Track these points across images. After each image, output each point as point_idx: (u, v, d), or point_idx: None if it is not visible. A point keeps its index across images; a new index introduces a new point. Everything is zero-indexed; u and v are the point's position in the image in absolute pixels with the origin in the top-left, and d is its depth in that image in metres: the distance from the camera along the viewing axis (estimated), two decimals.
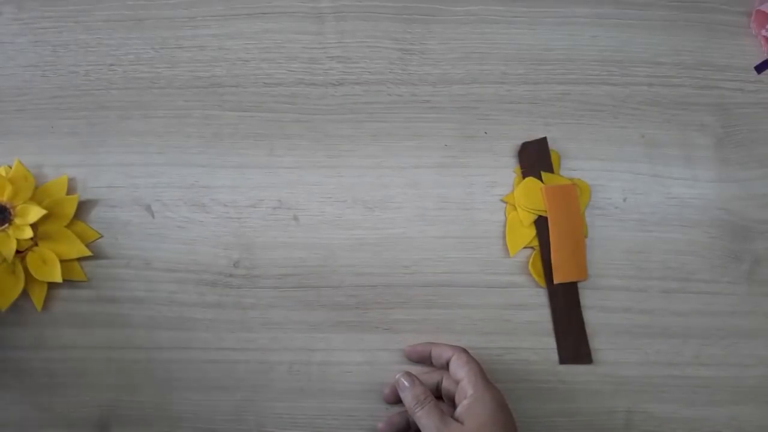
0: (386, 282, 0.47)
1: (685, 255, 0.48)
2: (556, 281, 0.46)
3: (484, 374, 0.40)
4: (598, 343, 0.47)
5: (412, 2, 0.51)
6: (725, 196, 0.49)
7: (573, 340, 0.46)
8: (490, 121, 0.50)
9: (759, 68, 0.51)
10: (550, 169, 0.48)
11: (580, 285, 0.47)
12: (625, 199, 0.49)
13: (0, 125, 0.50)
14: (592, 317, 0.47)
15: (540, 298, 0.47)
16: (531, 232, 0.47)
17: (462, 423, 0.37)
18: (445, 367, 0.42)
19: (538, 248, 0.47)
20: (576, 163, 0.49)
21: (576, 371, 0.46)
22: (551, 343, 0.47)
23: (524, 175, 0.48)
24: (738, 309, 0.47)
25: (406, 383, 0.41)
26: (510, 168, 0.49)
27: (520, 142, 0.49)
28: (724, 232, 0.48)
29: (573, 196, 0.47)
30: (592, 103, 0.50)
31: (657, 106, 0.50)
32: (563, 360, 0.46)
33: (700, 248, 0.48)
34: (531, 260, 0.47)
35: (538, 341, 0.47)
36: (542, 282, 0.47)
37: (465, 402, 0.38)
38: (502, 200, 0.48)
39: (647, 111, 0.50)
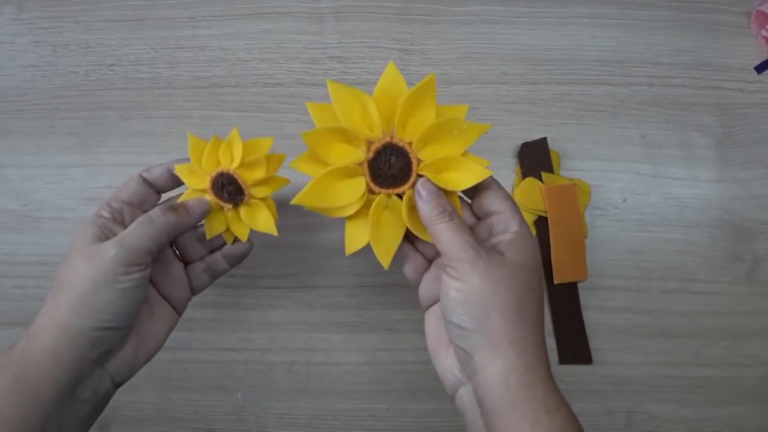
0: (386, 282, 0.47)
1: (685, 255, 0.48)
2: (556, 281, 0.46)
3: None
4: (598, 343, 0.47)
5: (412, 2, 0.51)
6: (725, 196, 0.49)
7: (573, 340, 0.46)
8: (490, 121, 0.49)
9: (759, 68, 0.51)
10: (550, 169, 0.48)
11: (580, 285, 0.47)
12: (625, 200, 0.49)
13: (0, 125, 0.50)
14: (592, 317, 0.47)
15: None
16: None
17: (501, 254, 0.30)
18: (469, 194, 0.35)
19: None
20: (576, 163, 0.49)
21: (576, 371, 0.46)
22: (551, 343, 0.46)
23: (524, 175, 0.48)
24: (738, 309, 0.47)
25: (423, 193, 0.32)
26: (510, 168, 0.49)
27: (520, 142, 0.49)
28: (724, 232, 0.48)
29: (573, 197, 0.47)
30: (592, 103, 0.50)
31: (657, 106, 0.50)
32: (563, 360, 0.46)
33: (700, 248, 0.48)
34: None
35: None
36: (542, 282, 0.47)
37: (508, 235, 0.31)
38: None
39: (647, 111, 0.50)
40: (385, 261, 0.33)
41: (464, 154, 0.34)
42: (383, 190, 0.33)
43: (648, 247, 0.48)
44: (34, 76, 0.50)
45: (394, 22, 0.51)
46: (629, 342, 0.47)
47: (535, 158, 0.48)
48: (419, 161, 0.33)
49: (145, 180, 0.36)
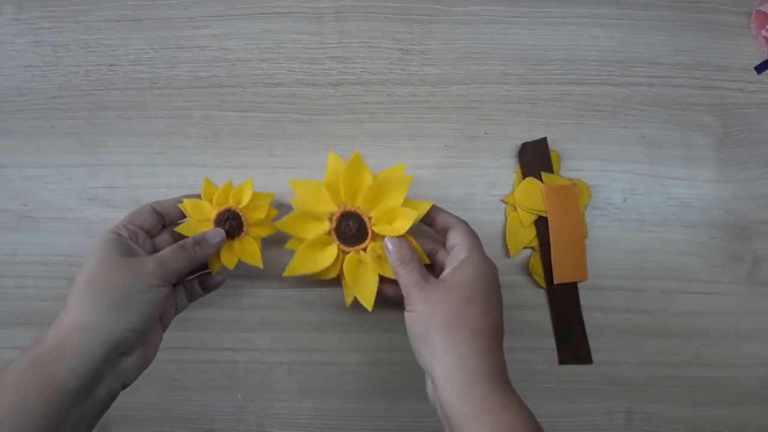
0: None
1: (685, 255, 0.48)
2: (556, 281, 0.46)
3: (482, 247, 0.38)
4: (598, 343, 0.47)
5: (412, 2, 0.51)
6: (725, 196, 0.49)
7: (573, 340, 0.46)
8: (490, 121, 0.50)
9: (759, 68, 0.51)
10: (550, 170, 0.48)
11: (580, 285, 0.47)
12: (625, 200, 0.49)
13: (0, 125, 0.50)
14: (592, 317, 0.47)
15: (540, 298, 0.47)
16: (531, 233, 0.47)
17: (444, 281, 0.36)
18: (444, 236, 0.41)
19: (538, 248, 0.47)
20: (576, 164, 0.49)
21: (576, 371, 0.46)
22: (551, 343, 0.47)
23: (524, 175, 0.48)
24: (738, 309, 0.47)
25: (390, 246, 0.39)
26: (510, 168, 0.49)
27: (520, 142, 0.49)
28: (724, 232, 0.48)
29: (573, 197, 0.47)
30: (592, 104, 0.50)
31: (657, 106, 0.50)
32: (563, 360, 0.46)
33: (700, 248, 0.48)
34: (531, 260, 0.47)
35: (538, 341, 0.47)
36: (542, 282, 0.47)
37: (454, 263, 0.37)
38: (502, 200, 0.48)
39: (647, 111, 0.50)
40: (368, 304, 0.41)
41: (405, 202, 0.41)
42: (351, 248, 0.42)
43: (648, 247, 0.48)
44: (34, 76, 0.50)
45: (394, 22, 0.51)
46: (629, 342, 0.47)
47: (535, 158, 0.48)
48: (370, 218, 0.42)
49: (154, 210, 0.41)
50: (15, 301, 0.47)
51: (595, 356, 0.46)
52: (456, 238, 0.39)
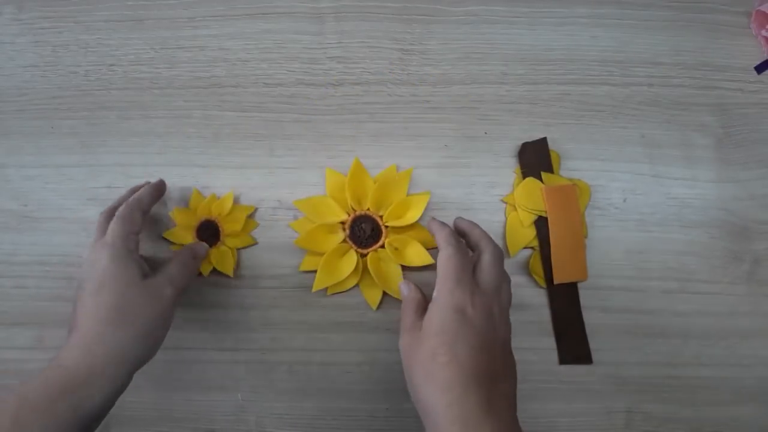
0: None
1: (685, 255, 0.48)
2: (556, 281, 0.46)
3: (459, 273, 0.37)
4: (598, 343, 0.47)
5: (412, 2, 0.51)
6: (725, 196, 0.49)
7: (573, 341, 0.46)
8: (490, 122, 0.50)
9: (759, 68, 0.51)
10: (550, 170, 0.48)
11: (580, 285, 0.47)
12: (625, 200, 0.49)
13: (0, 125, 0.50)
14: (592, 317, 0.47)
15: (540, 298, 0.47)
16: (531, 233, 0.47)
17: (420, 330, 0.37)
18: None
19: (538, 248, 0.47)
20: (576, 164, 0.49)
21: (576, 371, 0.46)
22: (551, 343, 0.47)
23: (524, 175, 0.48)
24: (738, 309, 0.47)
25: (404, 291, 0.41)
26: (510, 168, 0.49)
27: (520, 142, 0.49)
28: (724, 232, 0.48)
29: (573, 197, 0.47)
30: (592, 104, 0.50)
31: (657, 106, 0.50)
32: (563, 360, 0.46)
33: (700, 248, 0.48)
34: (531, 260, 0.47)
35: (538, 341, 0.47)
36: (542, 282, 0.47)
37: (430, 304, 0.37)
38: (502, 200, 0.48)
39: (647, 111, 0.50)
40: (398, 295, 0.43)
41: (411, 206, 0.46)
42: (369, 250, 0.45)
43: (648, 247, 0.48)
44: (34, 76, 0.50)
45: (394, 22, 0.51)
46: (629, 342, 0.47)
47: (535, 158, 0.48)
48: (381, 217, 0.45)
49: (140, 210, 0.41)
50: (15, 301, 0.47)
51: (595, 356, 0.46)
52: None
